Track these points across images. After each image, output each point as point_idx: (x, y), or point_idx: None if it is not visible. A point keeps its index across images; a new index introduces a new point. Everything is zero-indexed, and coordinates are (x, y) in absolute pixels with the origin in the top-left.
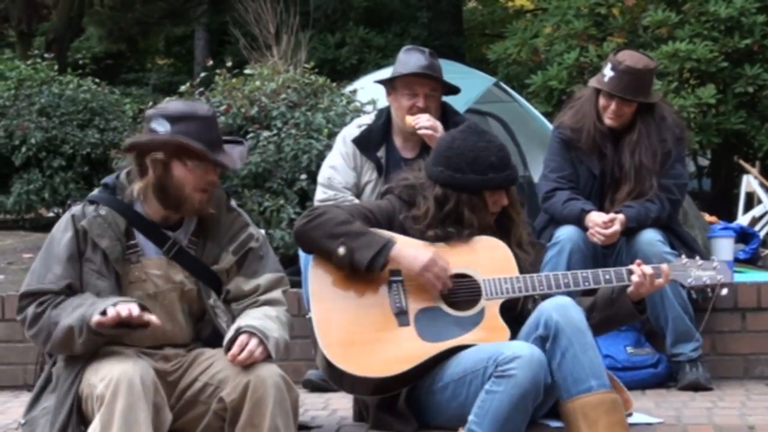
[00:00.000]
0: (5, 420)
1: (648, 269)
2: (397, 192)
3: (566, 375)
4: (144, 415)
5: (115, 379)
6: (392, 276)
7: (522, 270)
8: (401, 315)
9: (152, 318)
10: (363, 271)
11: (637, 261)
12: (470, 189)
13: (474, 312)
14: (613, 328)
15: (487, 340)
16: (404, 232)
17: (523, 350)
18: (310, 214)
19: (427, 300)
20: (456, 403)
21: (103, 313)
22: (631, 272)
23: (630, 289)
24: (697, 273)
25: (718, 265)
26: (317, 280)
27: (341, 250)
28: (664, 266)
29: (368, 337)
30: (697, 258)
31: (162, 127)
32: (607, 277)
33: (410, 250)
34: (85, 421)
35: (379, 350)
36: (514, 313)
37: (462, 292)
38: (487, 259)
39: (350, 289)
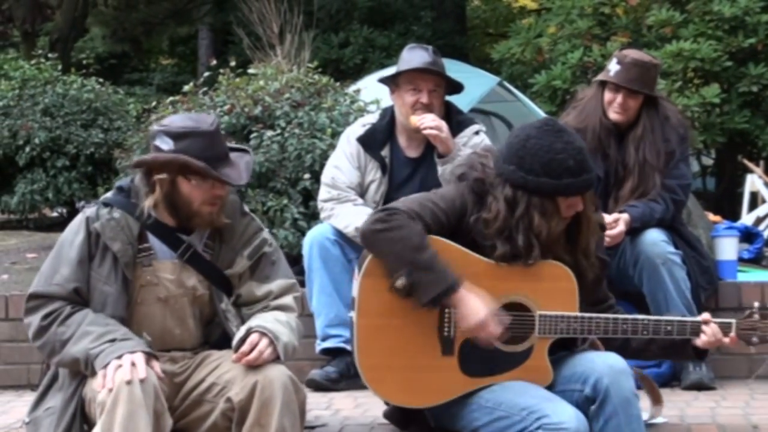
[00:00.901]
0: (8, 419)
1: (717, 331)
2: (470, 183)
3: None
4: (144, 423)
5: (116, 386)
6: None
7: (584, 282)
8: (447, 343)
9: (154, 373)
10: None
11: (705, 317)
12: (543, 193)
13: (522, 348)
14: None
15: (528, 381)
16: (468, 233)
17: (571, 422)
18: (386, 220)
19: None
20: (469, 424)
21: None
22: (696, 327)
23: (698, 342)
24: (764, 331)
25: None
26: (367, 292)
27: (400, 282)
28: (731, 336)
29: (408, 363)
30: None
31: (165, 145)
32: (669, 328)
33: (470, 302)
34: (89, 422)
35: (416, 379)
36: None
37: (514, 325)
38: (548, 290)
39: (400, 307)
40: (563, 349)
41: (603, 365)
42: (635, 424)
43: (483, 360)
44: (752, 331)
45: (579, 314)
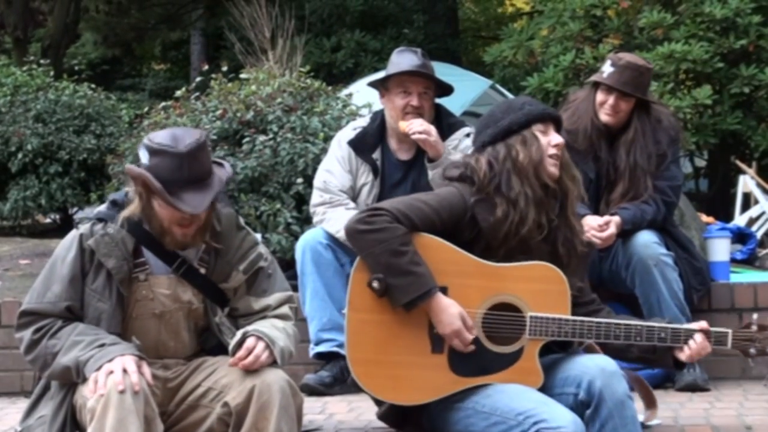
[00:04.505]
0: (2, 427)
1: (705, 345)
2: (464, 173)
3: None
4: (134, 429)
5: (106, 393)
6: None
7: (573, 250)
8: (437, 341)
9: (146, 377)
10: None
11: (701, 325)
12: (515, 129)
13: (512, 349)
14: (646, 367)
15: (518, 382)
16: (475, 223)
17: (569, 426)
18: (368, 221)
19: None
20: (465, 429)
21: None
22: (689, 336)
23: (681, 355)
24: (762, 343)
25: None
26: (358, 287)
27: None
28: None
29: (397, 360)
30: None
31: (144, 158)
32: (662, 335)
33: (443, 312)
34: (80, 429)
35: (405, 376)
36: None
37: (505, 326)
38: (540, 292)
39: (391, 304)
40: (560, 349)
41: (595, 368)
42: (631, 426)
43: (473, 360)
44: (749, 342)
45: (571, 317)
